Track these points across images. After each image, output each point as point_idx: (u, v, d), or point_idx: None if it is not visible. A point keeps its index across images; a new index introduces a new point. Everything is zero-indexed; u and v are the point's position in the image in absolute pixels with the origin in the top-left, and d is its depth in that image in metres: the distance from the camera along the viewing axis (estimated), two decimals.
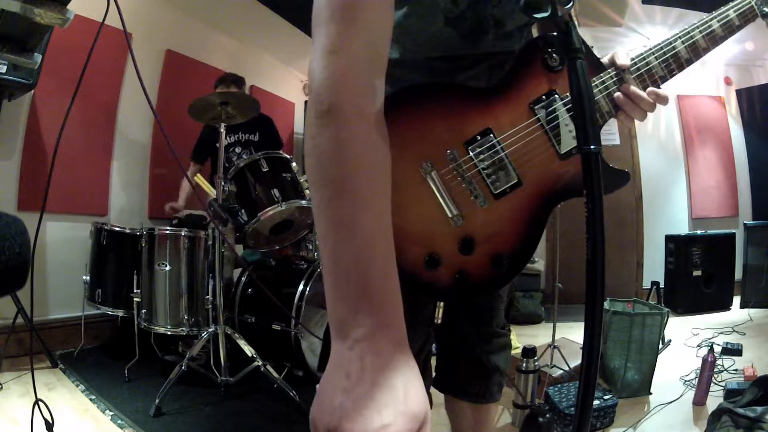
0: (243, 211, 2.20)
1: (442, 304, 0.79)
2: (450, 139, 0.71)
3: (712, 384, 2.02)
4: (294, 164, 2.39)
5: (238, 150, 2.96)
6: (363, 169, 0.48)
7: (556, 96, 0.71)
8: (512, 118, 0.72)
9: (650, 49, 0.74)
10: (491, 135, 0.71)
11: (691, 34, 0.74)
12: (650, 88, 0.72)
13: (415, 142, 0.71)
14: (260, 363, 2.02)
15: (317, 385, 0.46)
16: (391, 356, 0.44)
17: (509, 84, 0.73)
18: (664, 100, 0.72)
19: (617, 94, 0.72)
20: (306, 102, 4.62)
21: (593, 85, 0.72)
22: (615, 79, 0.73)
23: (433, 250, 0.71)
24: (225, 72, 3.05)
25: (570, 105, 0.70)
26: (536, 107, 0.72)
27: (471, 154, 0.71)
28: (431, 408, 0.85)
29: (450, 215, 0.70)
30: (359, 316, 0.44)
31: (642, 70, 0.73)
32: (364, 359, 0.43)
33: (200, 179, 2.47)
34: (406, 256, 0.70)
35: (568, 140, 0.71)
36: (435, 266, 0.71)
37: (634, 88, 0.71)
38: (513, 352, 2.40)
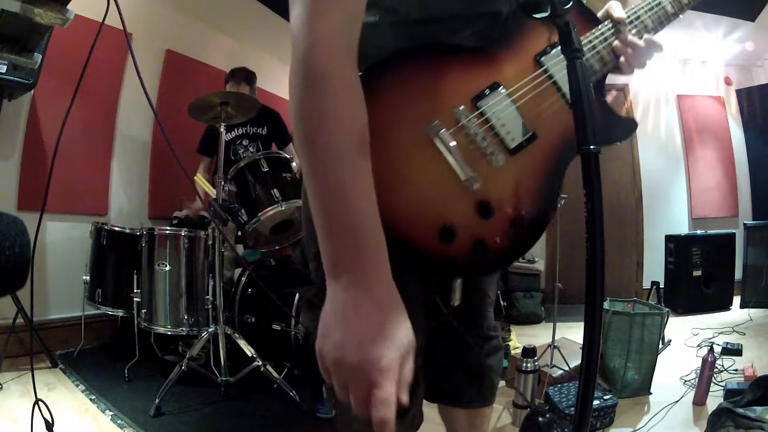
0: (243, 211, 2.20)
1: (459, 282, 0.74)
2: (456, 97, 0.67)
3: (712, 384, 2.01)
4: (294, 164, 2.39)
5: (245, 143, 2.95)
6: (348, 129, 0.52)
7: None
8: (519, 70, 0.70)
9: (639, 5, 0.78)
10: (500, 89, 0.68)
11: None
12: (645, 36, 0.75)
13: (418, 104, 0.66)
14: (260, 363, 2.02)
15: (320, 321, 0.52)
16: (380, 296, 0.51)
17: (511, 38, 0.71)
18: (658, 47, 0.75)
19: (616, 42, 0.75)
20: None
21: (593, 37, 0.74)
22: (612, 30, 0.75)
23: (448, 220, 0.65)
24: (227, 71, 3.05)
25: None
26: (542, 59, 0.71)
27: (482, 108, 0.67)
28: (421, 423, 0.85)
29: (464, 178, 0.65)
30: (352, 262, 0.51)
31: (635, 22, 0.76)
32: (358, 300, 0.50)
33: (200, 179, 2.46)
34: (418, 231, 0.65)
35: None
36: (451, 238, 0.65)
37: (631, 37, 0.74)
38: (513, 352, 2.40)
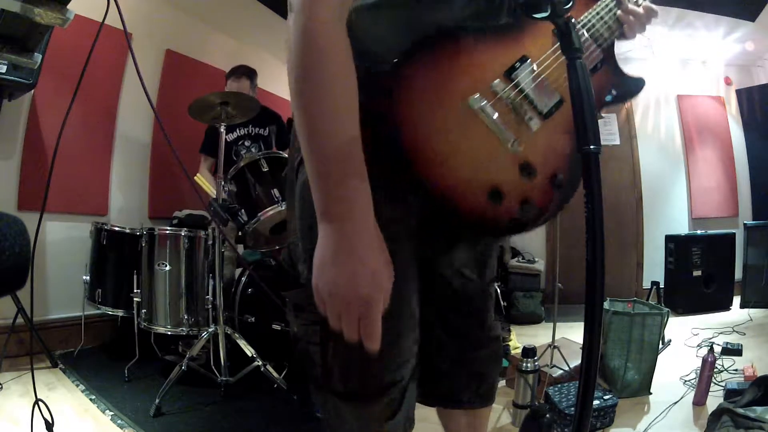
0: (243, 211, 2.20)
1: (508, 245, 0.78)
2: (491, 72, 0.74)
3: (712, 384, 2.01)
4: None
5: (247, 143, 2.95)
6: (341, 87, 0.59)
7: (573, 21, 0.74)
8: (541, 44, 0.77)
9: None
10: (528, 61, 0.76)
11: None
12: (644, 3, 0.84)
13: (459, 80, 0.72)
14: (260, 363, 2.02)
15: (314, 258, 0.60)
16: (365, 239, 0.59)
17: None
18: (655, 13, 0.84)
19: (619, 12, 0.83)
20: None
21: (600, 9, 0.82)
22: (615, 2, 0.84)
23: (496, 182, 0.72)
24: (227, 71, 3.05)
25: (587, 25, 0.80)
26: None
27: (516, 80, 0.74)
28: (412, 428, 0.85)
29: (508, 143, 0.72)
30: (342, 209, 0.58)
31: None
32: (349, 241, 0.58)
33: (200, 179, 2.47)
34: (468, 196, 0.71)
35: (592, 59, 0.82)
36: (499, 199, 0.72)
37: (632, 6, 0.83)
38: (513, 352, 2.40)
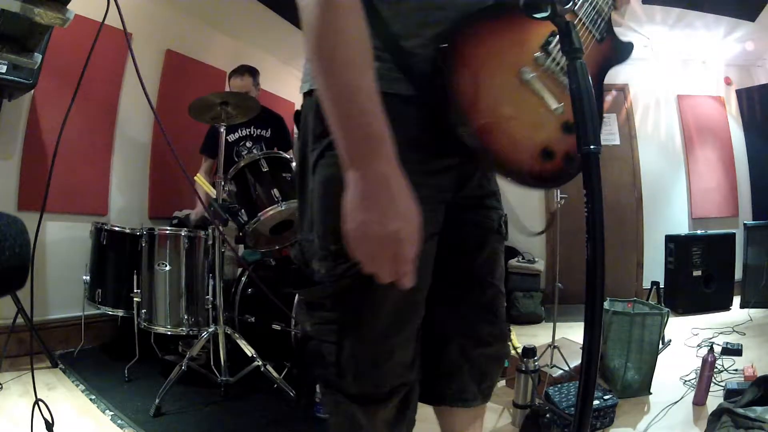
0: (243, 211, 2.20)
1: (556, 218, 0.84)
2: (532, 46, 0.82)
3: (712, 384, 2.01)
4: (294, 164, 2.39)
5: (248, 144, 2.95)
6: (359, 43, 0.62)
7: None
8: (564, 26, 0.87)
9: None
10: (556, 38, 0.83)
11: None
12: None
13: (508, 55, 0.80)
14: (260, 363, 2.02)
15: (343, 207, 0.62)
16: (391, 180, 0.61)
17: None
18: None
19: None
20: None
21: None
22: None
23: (547, 143, 0.81)
24: (227, 71, 3.05)
25: (592, 2, 0.87)
26: (575, 9, 0.86)
27: (553, 53, 0.82)
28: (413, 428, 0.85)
29: (554, 107, 0.81)
30: (367, 156, 0.60)
31: None
32: (375, 186, 0.60)
33: (200, 179, 2.46)
34: (524, 156, 0.79)
35: (600, 32, 0.90)
36: (551, 156, 0.81)
37: None
38: (513, 352, 2.41)
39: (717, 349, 2.45)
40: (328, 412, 0.87)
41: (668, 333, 2.81)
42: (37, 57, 1.15)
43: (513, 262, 3.97)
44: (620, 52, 0.94)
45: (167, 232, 2.30)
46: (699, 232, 3.99)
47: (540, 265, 4.03)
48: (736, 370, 2.33)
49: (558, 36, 0.79)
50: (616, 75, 4.31)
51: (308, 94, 0.80)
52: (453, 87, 0.73)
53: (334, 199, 0.66)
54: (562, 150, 0.83)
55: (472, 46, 0.76)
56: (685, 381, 2.22)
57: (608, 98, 4.38)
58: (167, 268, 2.23)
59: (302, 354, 0.88)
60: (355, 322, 0.77)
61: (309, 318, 0.81)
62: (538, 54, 0.81)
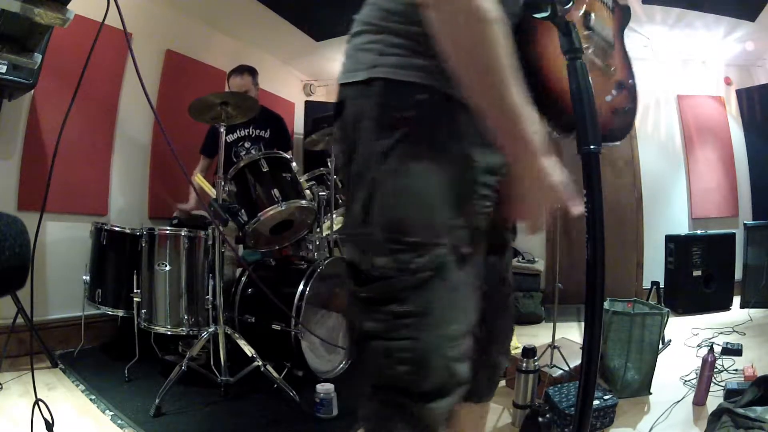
0: (243, 211, 2.20)
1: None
2: (579, 24, 0.89)
3: (712, 384, 2.01)
4: (294, 164, 2.39)
5: (247, 145, 2.95)
6: (508, 52, 0.69)
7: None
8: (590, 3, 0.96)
9: None
10: (591, 14, 0.92)
11: None
12: None
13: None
14: (260, 363, 2.02)
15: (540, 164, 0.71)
16: (551, 156, 0.71)
17: None
18: None
19: None
20: (306, 102, 4.64)
21: None
22: None
23: (611, 102, 0.92)
24: (227, 71, 3.05)
25: None
26: None
27: (594, 28, 0.91)
28: None
29: (609, 70, 0.94)
30: (526, 147, 0.70)
31: None
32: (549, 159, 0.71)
33: (200, 179, 2.47)
34: (603, 120, 0.87)
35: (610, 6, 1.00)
36: (615, 113, 0.93)
37: None
38: (513, 352, 2.40)
39: (717, 349, 2.44)
40: (372, 421, 0.79)
41: (668, 333, 2.80)
42: (37, 57, 1.15)
43: (513, 262, 3.97)
44: (626, 16, 1.06)
45: (167, 232, 2.30)
46: (699, 232, 3.99)
47: (540, 265, 4.03)
48: (736, 370, 2.33)
49: (590, 15, 0.91)
50: None
51: (365, 83, 0.76)
52: (533, 65, 0.80)
53: (417, 191, 0.70)
54: (621, 105, 0.95)
55: (535, 32, 0.84)
56: (685, 381, 2.22)
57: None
58: (167, 268, 2.23)
59: (360, 355, 0.82)
60: (435, 314, 0.73)
61: (371, 315, 0.75)
62: (585, 32, 0.91)
